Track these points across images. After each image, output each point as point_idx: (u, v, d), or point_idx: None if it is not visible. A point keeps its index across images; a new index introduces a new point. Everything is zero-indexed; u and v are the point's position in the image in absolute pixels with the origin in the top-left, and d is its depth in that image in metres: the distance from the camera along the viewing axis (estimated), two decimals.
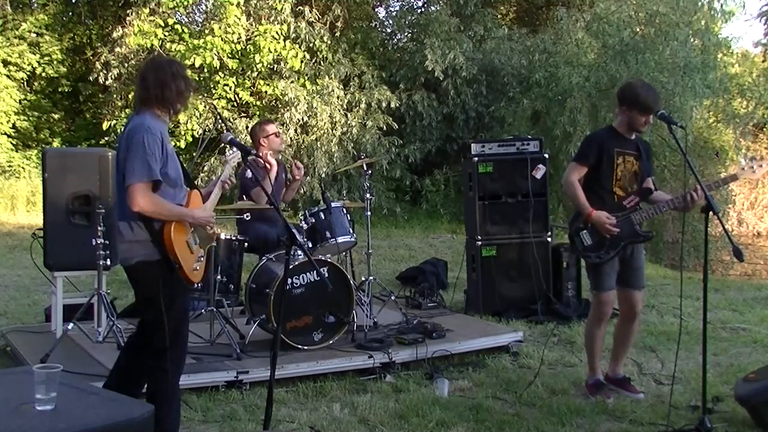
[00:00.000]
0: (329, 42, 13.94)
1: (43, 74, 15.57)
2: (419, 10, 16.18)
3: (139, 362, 3.62)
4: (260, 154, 5.91)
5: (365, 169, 5.96)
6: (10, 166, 14.51)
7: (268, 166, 5.83)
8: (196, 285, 3.89)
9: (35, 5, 16.66)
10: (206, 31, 13.14)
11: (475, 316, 6.48)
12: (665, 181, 11.49)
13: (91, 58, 15.59)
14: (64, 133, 16.27)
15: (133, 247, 3.43)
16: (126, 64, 13.96)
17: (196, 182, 13.90)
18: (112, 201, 3.78)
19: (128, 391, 3.24)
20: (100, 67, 13.99)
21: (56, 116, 16.34)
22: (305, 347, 4.97)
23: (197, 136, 12.88)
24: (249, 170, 5.83)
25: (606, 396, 4.49)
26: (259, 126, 6.16)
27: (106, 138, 13.82)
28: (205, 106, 13.09)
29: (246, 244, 5.53)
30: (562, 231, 7.98)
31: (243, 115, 13.87)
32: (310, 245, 5.27)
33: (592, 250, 4.40)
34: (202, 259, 3.65)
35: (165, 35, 13.22)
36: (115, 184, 3.69)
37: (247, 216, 5.55)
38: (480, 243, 6.68)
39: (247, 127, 13.15)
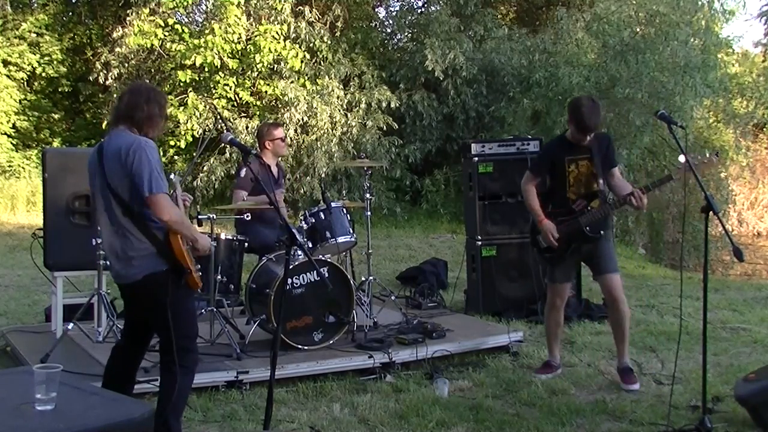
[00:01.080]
0: (329, 42, 13.94)
1: (43, 74, 15.56)
2: (419, 10, 16.18)
3: (136, 364, 3.77)
4: (262, 155, 5.93)
5: (365, 169, 5.96)
6: (10, 166, 14.50)
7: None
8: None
9: (35, 5, 16.65)
10: (206, 31, 13.13)
11: (475, 316, 6.48)
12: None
13: (91, 58, 15.58)
14: (64, 133, 16.26)
15: (137, 262, 3.45)
16: (126, 64, 13.95)
17: (195, 182, 13.95)
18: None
19: (124, 392, 3.28)
20: (100, 67, 13.98)
21: (56, 116, 16.33)
22: (305, 347, 4.97)
23: (197, 135, 12.87)
24: (243, 172, 5.86)
25: (544, 372, 4.92)
26: (267, 128, 6.14)
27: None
28: (205, 106, 13.09)
29: (246, 244, 5.53)
30: None
31: (243, 115, 13.86)
32: (310, 245, 5.27)
33: (547, 252, 4.84)
34: (199, 267, 3.70)
35: (165, 35, 13.21)
36: (104, 201, 3.50)
37: (247, 216, 5.55)
38: (480, 243, 6.68)
39: (247, 127, 13.15)
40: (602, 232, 4.70)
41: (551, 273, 4.94)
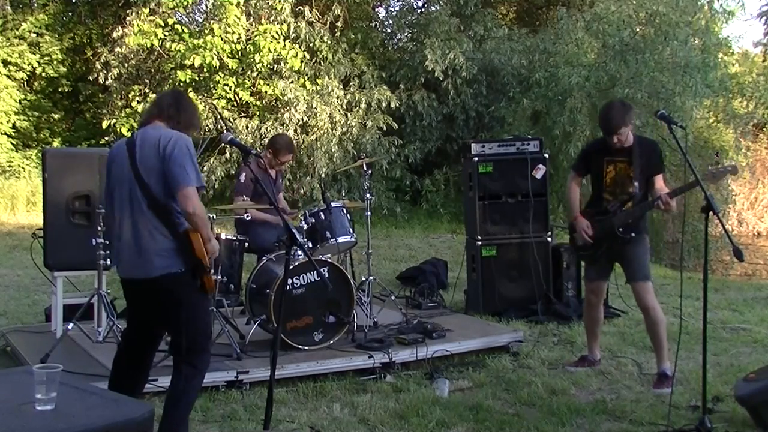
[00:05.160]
0: (329, 42, 13.94)
1: (43, 74, 15.57)
2: (419, 10, 16.19)
3: (146, 365, 3.75)
4: (263, 158, 5.95)
5: (365, 169, 5.96)
6: (10, 166, 14.50)
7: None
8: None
9: (35, 5, 16.66)
10: (206, 31, 13.13)
11: (475, 316, 6.48)
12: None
13: (91, 58, 15.59)
14: (64, 133, 16.26)
15: (157, 260, 3.44)
16: (126, 64, 13.96)
17: None
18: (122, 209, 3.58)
19: (131, 393, 3.28)
20: (100, 67, 13.99)
21: (56, 116, 16.33)
22: (305, 347, 4.97)
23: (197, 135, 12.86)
24: (242, 176, 5.86)
25: (576, 366, 5.07)
26: (286, 147, 6.13)
27: (106, 138, 13.82)
28: (205, 106, 13.08)
29: (246, 244, 5.53)
30: (562, 231, 7.98)
31: (243, 115, 13.87)
32: (310, 245, 5.27)
33: (583, 249, 5.00)
34: (211, 270, 3.70)
35: (165, 35, 13.21)
36: (129, 192, 3.49)
37: (247, 216, 5.54)
38: (480, 243, 6.68)
39: (247, 127, 13.15)
40: (633, 234, 4.75)
41: (586, 271, 5.18)
